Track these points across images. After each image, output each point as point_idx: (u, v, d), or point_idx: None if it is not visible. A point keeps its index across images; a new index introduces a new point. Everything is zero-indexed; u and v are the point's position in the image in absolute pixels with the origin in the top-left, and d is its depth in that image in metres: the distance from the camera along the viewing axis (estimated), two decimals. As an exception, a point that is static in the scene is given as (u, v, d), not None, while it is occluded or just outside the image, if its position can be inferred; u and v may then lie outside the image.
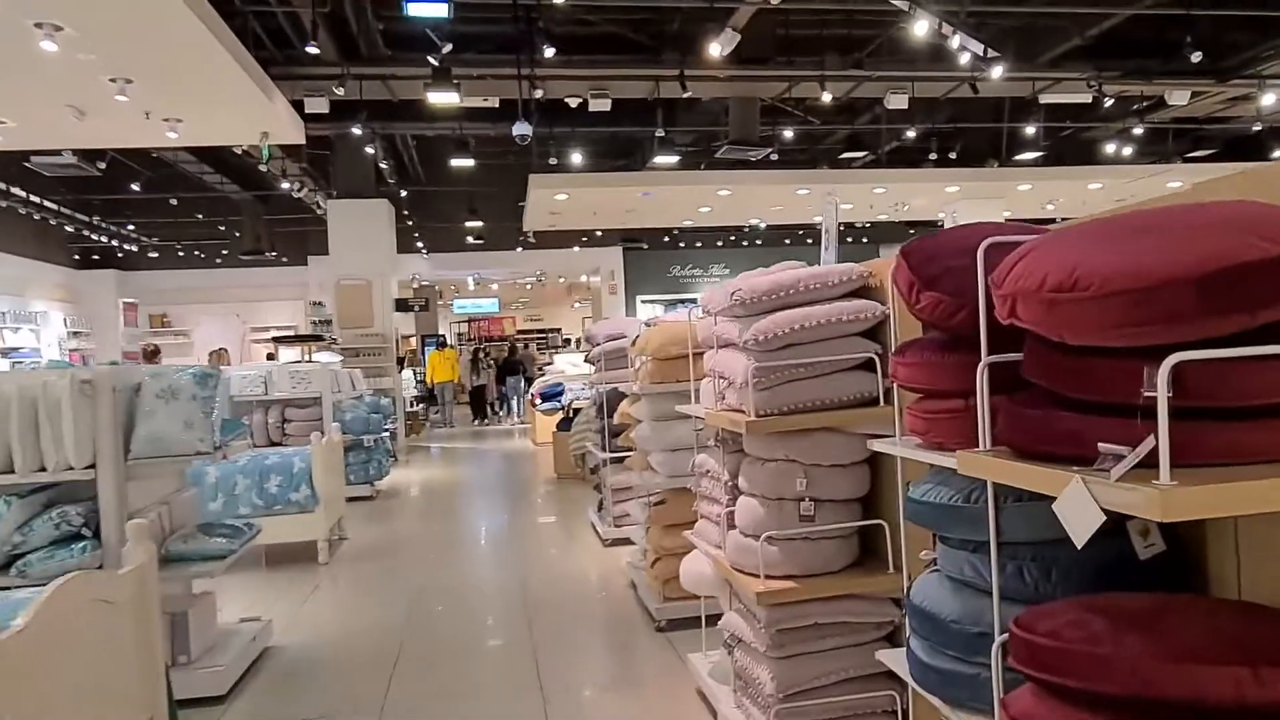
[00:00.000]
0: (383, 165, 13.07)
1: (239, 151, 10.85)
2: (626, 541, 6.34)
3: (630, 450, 5.99)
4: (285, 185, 12.66)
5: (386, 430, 10.41)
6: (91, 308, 19.79)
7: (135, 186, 13.10)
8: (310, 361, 11.58)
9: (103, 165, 11.16)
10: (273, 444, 8.97)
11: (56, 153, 10.35)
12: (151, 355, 8.40)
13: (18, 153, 10.52)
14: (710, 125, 12.87)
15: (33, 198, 13.56)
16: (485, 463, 13.04)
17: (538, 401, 14.62)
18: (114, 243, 17.69)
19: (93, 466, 3.56)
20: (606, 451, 6.50)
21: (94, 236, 16.86)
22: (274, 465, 6.30)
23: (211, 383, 3.82)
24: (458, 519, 8.73)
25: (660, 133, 10.82)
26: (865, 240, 21.98)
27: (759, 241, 21.98)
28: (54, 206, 14.34)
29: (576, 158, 12.14)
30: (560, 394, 14.59)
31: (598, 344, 6.68)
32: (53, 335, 17.87)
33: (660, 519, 4.57)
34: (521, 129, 8.66)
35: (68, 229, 15.42)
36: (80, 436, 3.52)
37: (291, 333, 18.58)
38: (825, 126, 13.86)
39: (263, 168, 11.39)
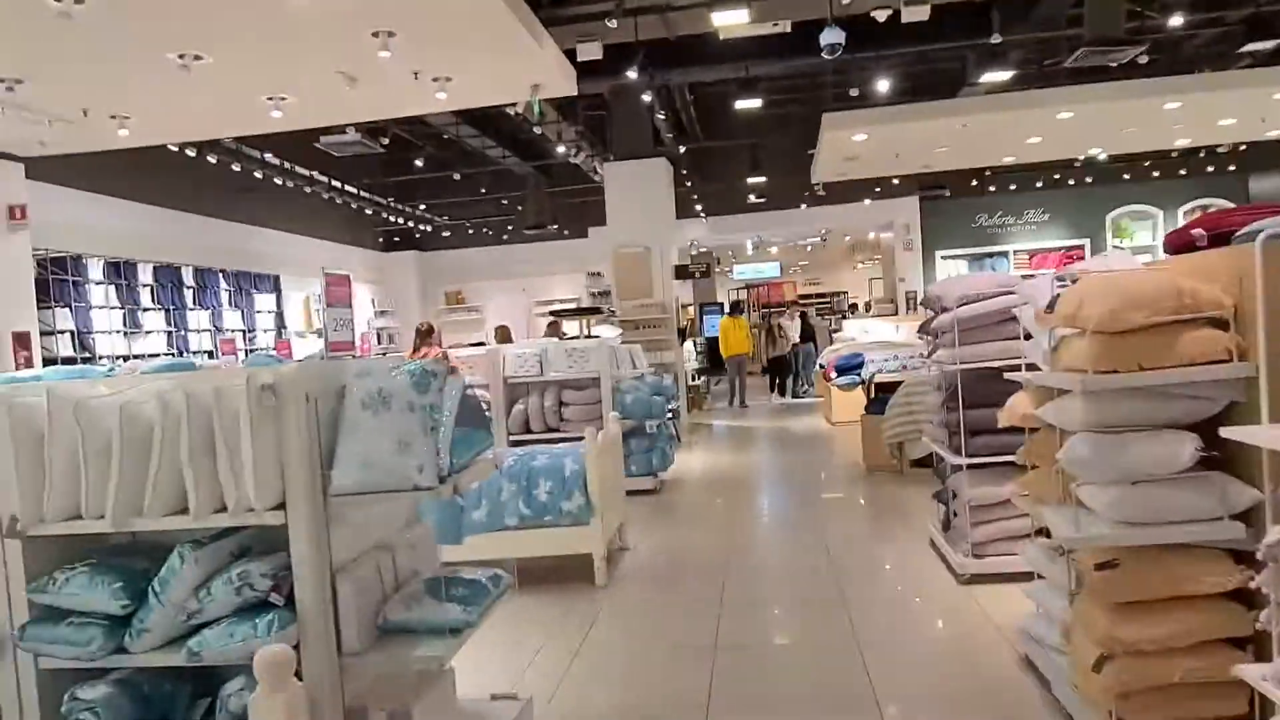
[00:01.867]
0: (660, 116, 11.90)
1: (512, 113, 10.16)
2: (994, 580, 4.62)
3: (996, 457, 4.27)
4: (561, 149, 11.93)
5: (670, 413, 9.31)
6: (394, 288, 20.92)
7: (419, 163, 13.09)
8: (589, 336, 10.78)
9: (385, 141, 11.02)
10: (549, 429, 8.16)
11: (341, 130, 10.27)
12: (425, 335, 7.84)
13: (308, 134, 10.59)
14: (1049, 30, 10.32)
15: (334, 182, 14.05)
16: (776, 445, 11.62)
17: (832, 375, 12.96)
18: (410, 224, 18.33)
19: (282, 507, 2.53)
20: (964, 455, 4.77)
21: (393, 219, 17.52)
22: (543, 468, 5.27)
23: (435, 385, 2.66)
24: (756, 520, 7.38)
25: (996, 38, 8.59)
26: (1231, 169, 17.74)
27: (1088, 179, 18.47)
28: (354, 190, 14.85)
29: (883, 85, 10.19)
30: (859, 366, 12.84)
31: (945, 308, 4.94)
32: (362, 316, 18.97)
33: (1108, 592, 2.82)
34: (832, 36, 7.00)
35: (367, 212, 16.01)
36: (263, 465, 2.49)
37: (573, 305, 18.33)
38: (1206, 16, 10.71)
39: (536, 129, 10.66)
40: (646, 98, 10.86)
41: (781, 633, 4.51)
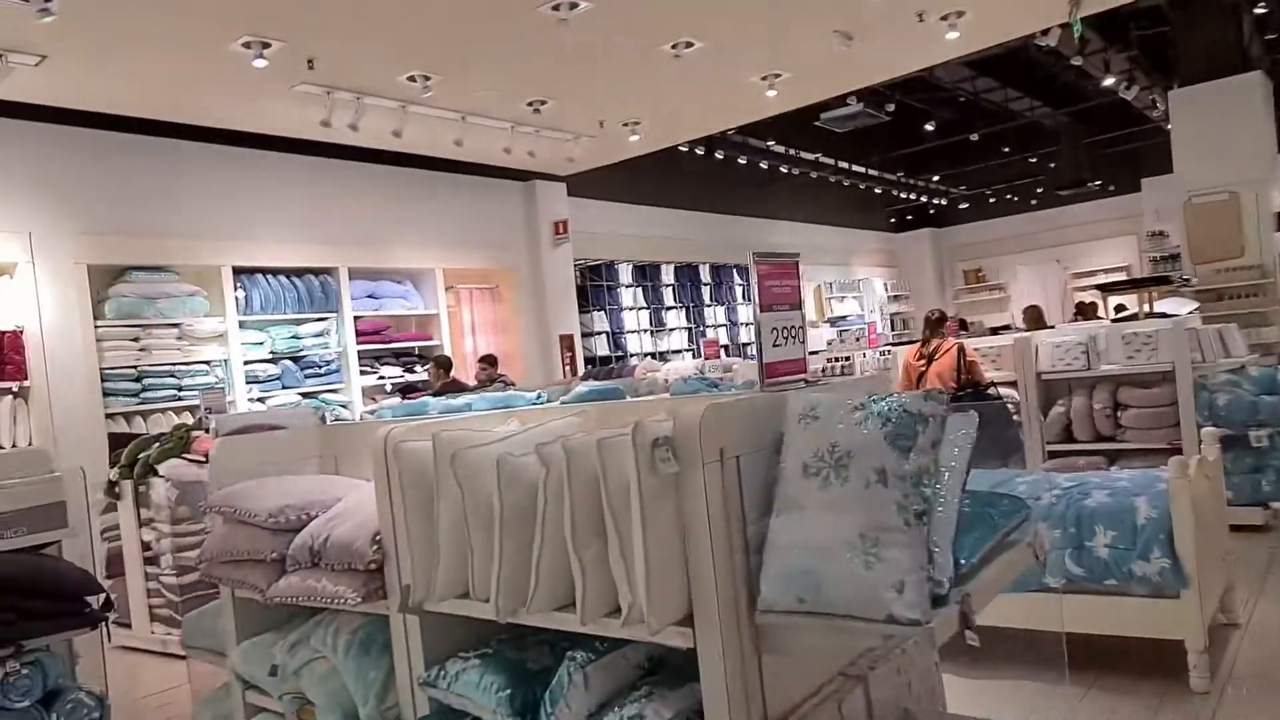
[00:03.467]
0: (1259, 9, 8.88)
1: (1041, 44, 8.33)
2: None
3: None
4: (1109, 82, 9.61)
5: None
6: (909, 270, 19.73)
7: (929, 128, 11.73)
8: (1153, 315, 8.46)
9: (890, 109, 9.95)
10: (1099, 438, 6.36)
11: (842, 103, 9.48)
12: (936, 325, 6.61)
13: (806, 115, 10.00)
14: None
15: (841, 163, 13.39)
16: None
17: None
18: (923, 199, 16.98)
19: (689, 622, 1.68)
20: None
21: (905, 195, 16.35)
22: (1102, 509, 3.76)
23: (925, 436, 1.57)
24: None
25: None
26: None
27: None
28: (862, 170, 14.04)
29: None
30: None
31: None
32: (874, 301, 18.14)
33: None
34: None
35: (876, 191, 15.09)
36: (660, 558, 1.66)
37: (1123, 276, 15.28)
38: None
39: (1075, 60, 8.63)
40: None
41: None
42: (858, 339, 11.34)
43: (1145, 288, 10.63)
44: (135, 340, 7.40)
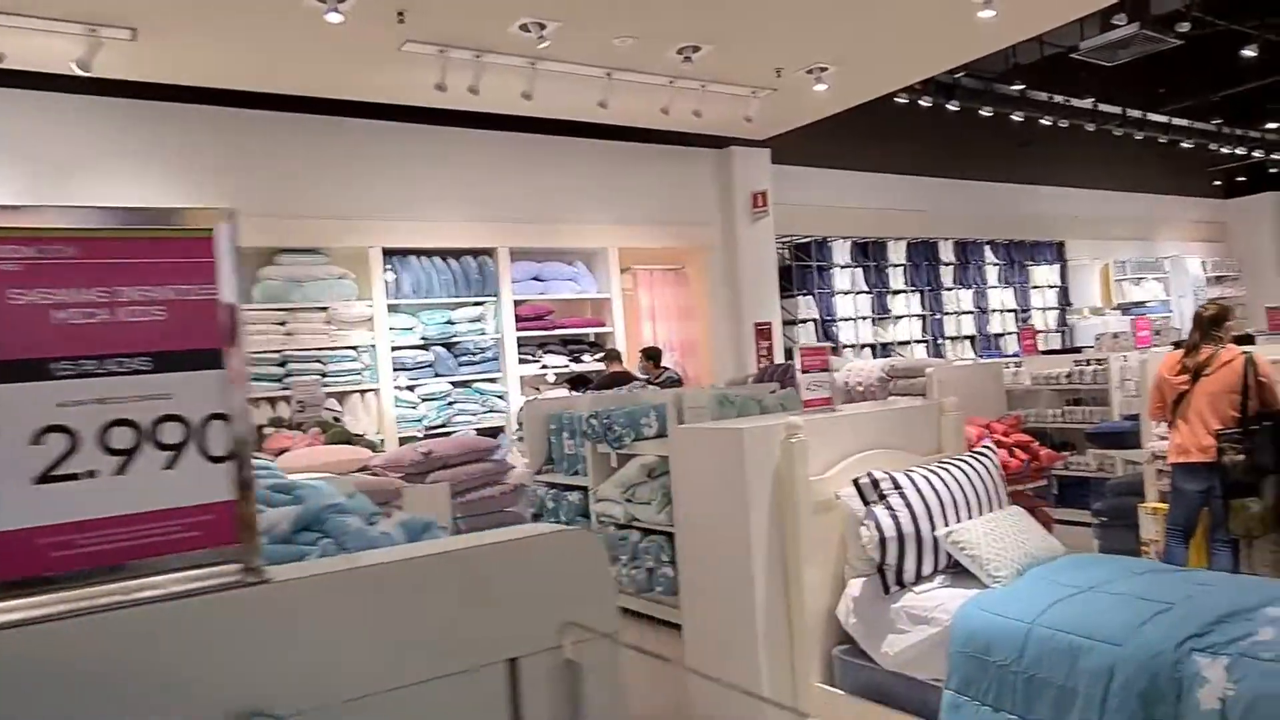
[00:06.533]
0: None
1: None
2: None
3: None
4: None
5: None
6: (1242, 244, 15.90)
7: (1248, 54, 8.78)
8: None
9: (1184, 30, 7.48)
10: None
11: (1107, 24, 7.24)
12: (1209, 327, 4.54)
13: (1062, 49, 7.80)
14: None
15: (1129, 111, 10.67)
16: None
17: None
18: (1260, 153, 13.33)
19: None
20: None
21: (1230, 150, 12.89)
22: None
23: None
24: None
25: None
26: None
27: None
28: (1160, 119, 11.14)
29: None
30: None
31: None
32: (1186, 283, 14.73)
33: None
34: None
35: (1184, 145, 11.95)
36: None
37: None
38: None
39: None
40: None
41: None
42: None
43: None
44: (281, 324, 7.26)
